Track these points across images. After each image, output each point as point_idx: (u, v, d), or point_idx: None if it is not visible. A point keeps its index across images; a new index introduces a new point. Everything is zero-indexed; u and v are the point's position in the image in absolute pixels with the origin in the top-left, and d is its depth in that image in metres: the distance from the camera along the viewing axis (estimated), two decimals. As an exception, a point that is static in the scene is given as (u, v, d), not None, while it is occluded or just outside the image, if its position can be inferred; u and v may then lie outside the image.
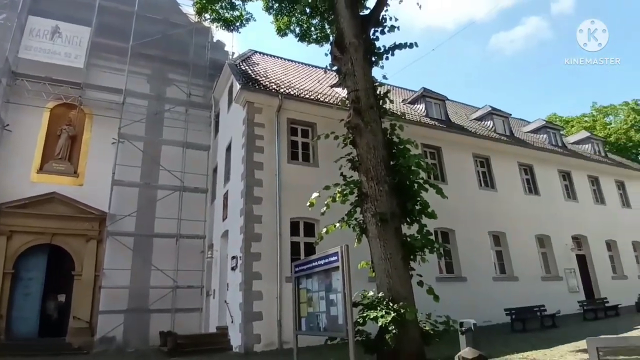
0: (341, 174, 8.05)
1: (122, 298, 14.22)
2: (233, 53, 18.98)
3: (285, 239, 12.13)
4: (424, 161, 7.68)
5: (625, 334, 5.60)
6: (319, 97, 14.47)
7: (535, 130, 23.16)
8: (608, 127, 32.58)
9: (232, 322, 12.04)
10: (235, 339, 11.57)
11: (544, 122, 23.62)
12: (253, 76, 14.44)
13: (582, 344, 7.13)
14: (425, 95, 18.53)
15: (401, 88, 22.62)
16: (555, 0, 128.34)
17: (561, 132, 25.02)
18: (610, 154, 27.03)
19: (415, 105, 18.71)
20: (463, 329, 7.04)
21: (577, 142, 25.31)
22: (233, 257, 12.59)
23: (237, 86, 13.49)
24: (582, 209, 20.55)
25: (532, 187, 19.44)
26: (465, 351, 5.31)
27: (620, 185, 23.65)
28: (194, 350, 11.42)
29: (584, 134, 26.72)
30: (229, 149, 14.99)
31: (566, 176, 21.01)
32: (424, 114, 17.84)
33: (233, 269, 12.51)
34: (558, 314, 14.71)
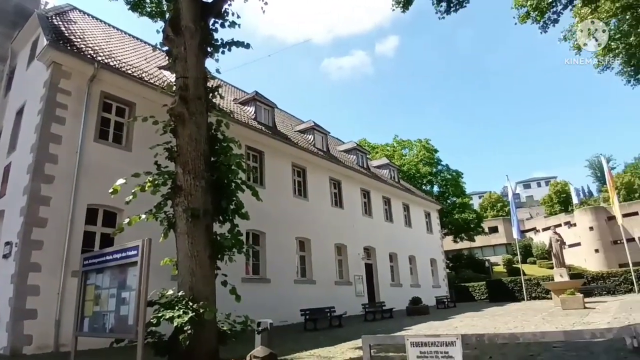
0: (156, 163, 7.43)
1: None
2: (47, 3, 16.02)
3: (78, 227, 10.59)
4: (245, 162, 7.68)
5: (393, 334, 6.61)
6: (143, 75, 13.23)
7: (348, 151, 25.81)
8: (403, 157, 38.51)
9: (-4, 320, 9.88)
10: (0, 340, 9.53)
11: (355, 145, 26.54)
12: (66, 34, 12.35)
13: (360, 342, 8.10)
14: (257, 99, 18.81)
15: (235, 87, 22.51)
16: (380, 42, 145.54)
17: (367, 156, 28.47)
18: (402, 181, 31.96)
19: (246, 107, 18.81)
20: (259, 328, 7.20)
21: (378, 167, 29.17)
22: (7, 243, 10.40)
23: (44, 41, 11.34)
24: (374, 224, 23.67)
25: (338, 200, 21.52)
26: (257, 350, 5.42)
27: (406, 208, 28.10)
28: None
29: (385, 160, 30.97)
30: (20, 112, 12.48)
31: (366, 194, 23.93)
32: (253, 116, 18.06)
33: (5, 256, 10.33)
34: (345, 315, 16.45)
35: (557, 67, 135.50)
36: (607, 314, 13.67)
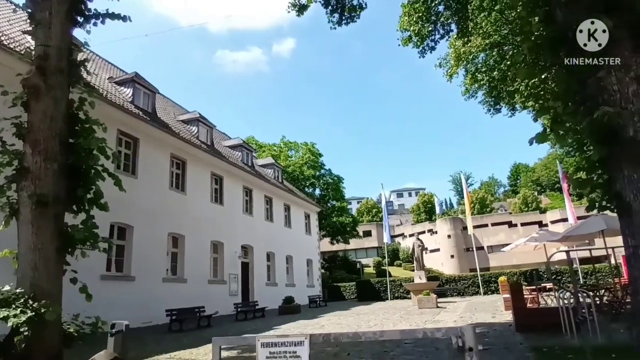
0: (0, 139, 6.38)
1: None
2: None
3: None
4: (109, 147, 6.94)
5: (245, 335, 6.58)
6: (1, 38, 11.35)
7: (233, 147, 25.31)
8: (289, 159, 39.05)
9: None
10: None
11: (242, 142, 26.15)
12: None
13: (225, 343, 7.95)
14: (136, 81, 17.40)
15: (113, 65, 20.57)
16: (277, 42, 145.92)
17: (253, 154, 28.28)
18: (286, 182, 32.35)
19: (123, 88, 17.27)
20: (113, 330, 6.59)
21: (263, 166, 29.13)
22: None
23: None
24: (254, 223, 23.54)
25: (219, 196, 20.93)
26: (100, 354, 4.96)
27: (287, 208, 28.48)
28: None
29: (270, 160, 31.05)
30: None
31: (248, 192, 23.70)
32: (130, 99, 16.65)
33: None
34: (216, 314, 16.03)
35: (433, 90, 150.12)
36: (455, 313, 15.44)
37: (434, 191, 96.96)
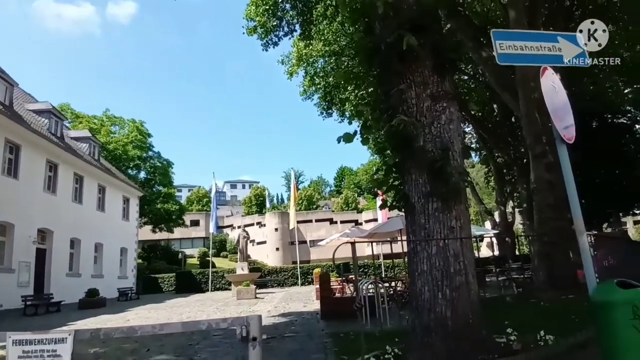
0: None
1: None
2: None
3: None
4: None
5: None
6: None
7: (39, 112, 21.44)
8: (112, 135, 34.99)
9: None
10: None
11: (51, 107, 22.32)
12: None
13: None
14: None
15: None
16: (115, 2, 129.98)
17: (65, 123, 24.49)
18: (104, 160, 28.89)
19: None
20: None
21: (77, 139, 25.44)
22: None
23: None
24: (57, 203, 20.32)
25: (13, 169, 17.45)
26: None
27: (102, 190, 25.40)
28: None
29: (86, 133, 27.30)
30: None
31: (53, 167, 20.33)
32: None
33: None
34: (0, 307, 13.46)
35: (276, 86, 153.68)
36: (271, 303, 15.88)
37: (268, 185, 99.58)
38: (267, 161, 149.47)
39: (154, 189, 35.87)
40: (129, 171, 33.91)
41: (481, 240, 37.95)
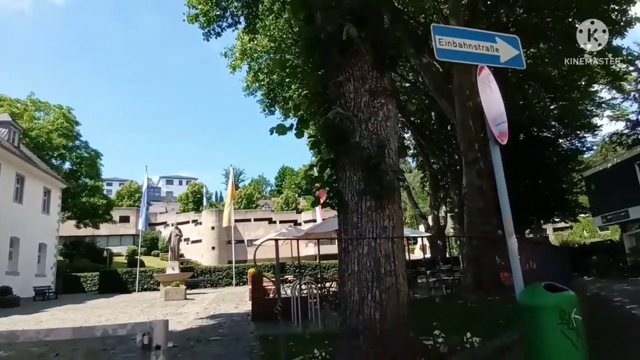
0: None
1: None
2: None
3: None
4: None
5: None
6: None
7: (-55, 90, 19.14)
8: (35, 120, 32.15)
9: None
10: None
11: (-39, 86, 20.04)
12: None
13: None
14: None
15: None
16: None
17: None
18: (25, 147, 26.45)
19: None
20: None
21: (-8, 123, 23.09)
22: None
23: None
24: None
25: None
26: None
27: (20, 180, 23.24)
28: None
29: (6, 117, 24.89)
30: None
31: (-40, 152, 18.26)
32: None
33: None
34: None
35: (219, 79, 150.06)
36: (201, 305, 15.19)
37: (207, 182, 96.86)
38: (208, 158, 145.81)
39: (80, 181, 33.38)
40: (53, 161, 31.34)
41: (415, 243, 39.30)
